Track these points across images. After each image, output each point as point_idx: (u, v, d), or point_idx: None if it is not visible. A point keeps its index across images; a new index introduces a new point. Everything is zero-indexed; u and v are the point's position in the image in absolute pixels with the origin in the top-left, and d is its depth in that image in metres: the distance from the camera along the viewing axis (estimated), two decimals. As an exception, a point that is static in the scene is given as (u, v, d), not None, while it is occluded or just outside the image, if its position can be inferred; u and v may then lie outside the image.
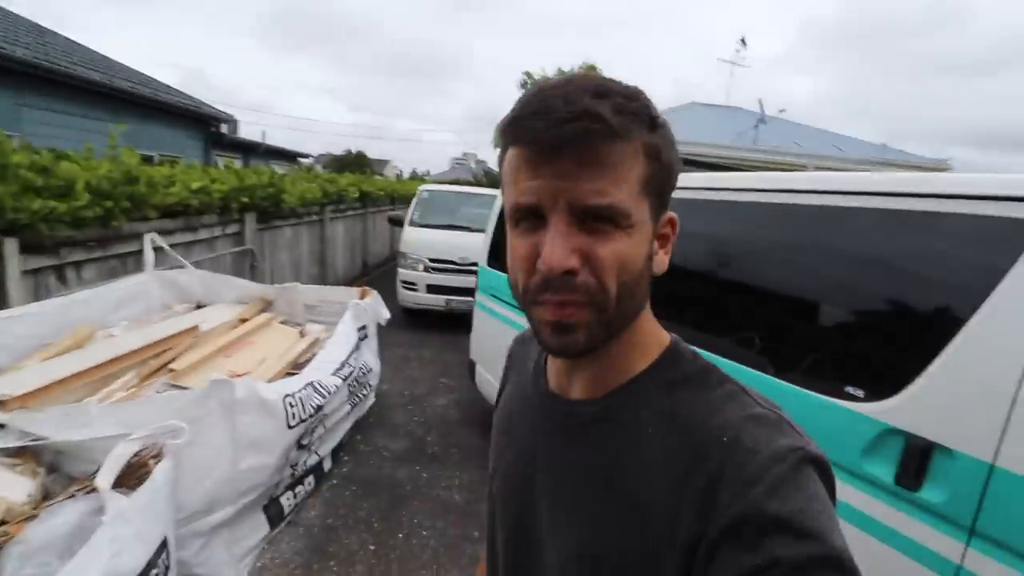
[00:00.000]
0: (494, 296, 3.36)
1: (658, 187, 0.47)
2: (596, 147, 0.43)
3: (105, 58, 9.45)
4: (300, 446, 2.46)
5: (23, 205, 2.52)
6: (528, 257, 0.46)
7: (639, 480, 0.47)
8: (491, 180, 24.83)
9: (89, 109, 8.12)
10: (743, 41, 17.42)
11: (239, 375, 2.72)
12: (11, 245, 2.53)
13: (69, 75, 7.36)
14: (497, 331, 3.30)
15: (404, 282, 6.11)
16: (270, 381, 2.68)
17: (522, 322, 3.34)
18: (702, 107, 17.25)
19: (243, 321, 3.45)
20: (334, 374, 2.79)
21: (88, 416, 1.79)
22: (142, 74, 9.93)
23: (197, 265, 4.24)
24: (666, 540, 0.44)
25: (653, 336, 0.53)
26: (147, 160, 5.05)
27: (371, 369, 3.50)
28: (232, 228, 4.75)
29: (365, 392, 3.35)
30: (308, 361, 3.12)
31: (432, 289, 6.00)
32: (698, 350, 0.55)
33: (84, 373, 2.33)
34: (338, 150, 35.23)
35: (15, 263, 2.57)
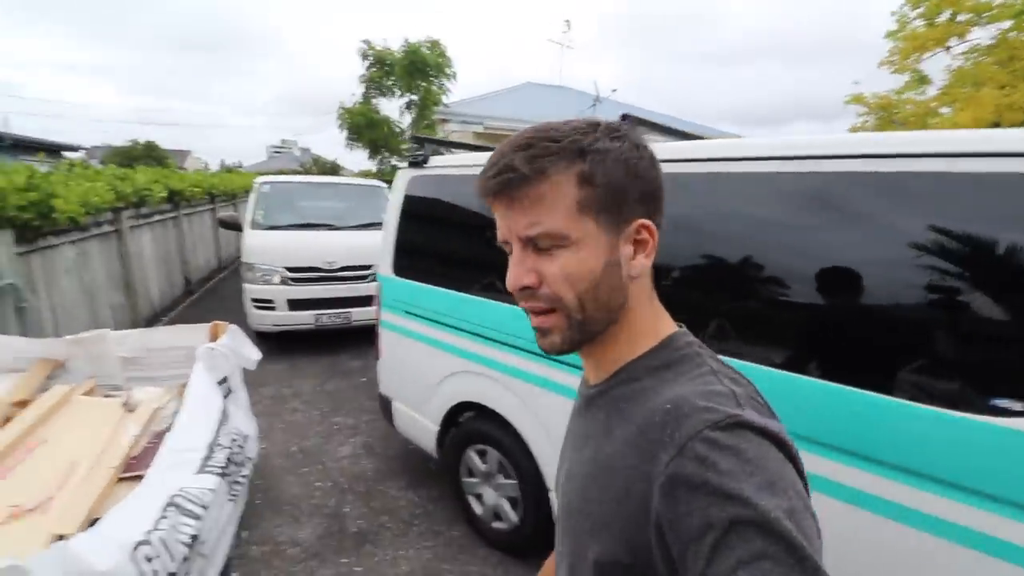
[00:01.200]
0: (409, 312, 2.64)
1: (601, 204, 0.54)
2: (517, 191, 0.53)
3: None
4: (171, 607, 1.53)
5: None
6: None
7: (612, 447, 0.55)
8: (322, 168, 22.24)
9: None
10: (567, 23, 18.15)
11: (33, 509, 1.64)
12: None
13: None
14: (417, 355, 2.61)
15: (256, 300, 4.86)
16: (95, 507, 1.66)
17: (450, 340, 2.38)
18: (537, 87, 17.61)
19: (20, 405, 2.20)
20: (204, 470, 1.85)
21: None
22: None
23: (-90, 322, 2.70)
24: (618, 501, 0.51)
25: (649, 329, 0.60)
26: None
27: (247, 436, 2.53)
28: (-30, 257, 3.16)
29: (245, 473, 2.40)
30: (150, 450, 2.09)
31: (296, 305, 4.88)
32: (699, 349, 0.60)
33: None
34: (119, 140, 28.63)
35: None
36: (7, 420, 2.10)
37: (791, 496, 0.43)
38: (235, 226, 5.50)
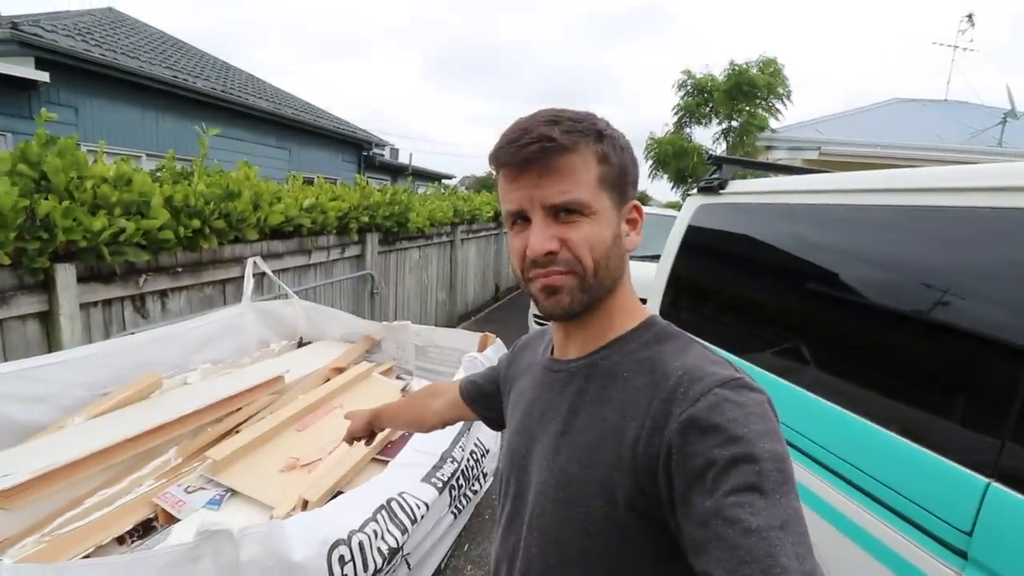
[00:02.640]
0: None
1: (613, 182, 0.61)
2: (552, 160, 0.58)
3: (278, 90, 10.24)
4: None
5: (81, 224, 2.03)
6: (521, 249, 0.61)
7: (615, 412, 0.58)
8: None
9: (261, 135, 8.71)
10: (970, 18, 13.76)
11: (305, 466, 1.94)
12: (65, 274, 2.06)
13: (242, 104, 7.89)
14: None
15: (536, 316, 5.16)
16: (344, 478, 1.85)
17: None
18: (906, 103, 13.92)
19: (337, 371, 2.74)
20: (428, 480, 1.86)
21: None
22: (306, 102, 10.61)
23: (314, 292, 3.75)
24: (629, 457, 0.55)
25: (633, 309, 0.67)
26: (308, 182, 4.63)
27: (487, 451, 2.54)
28: (353, 250, 4.24)
29: (476, 488, 2.39)
30: (405, 436, 2.27)
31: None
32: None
33: (101, 455, 1.69)
34: (481, 172, 36.53)
35: (71, 295, 2.09)
36: (326, 380, 2.62)
37: (783, 444, 0.50)
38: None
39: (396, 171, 13.36)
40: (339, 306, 4.06)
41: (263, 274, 3.14)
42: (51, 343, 2.10)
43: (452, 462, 2.04)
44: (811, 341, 1.56)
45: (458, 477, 2.09)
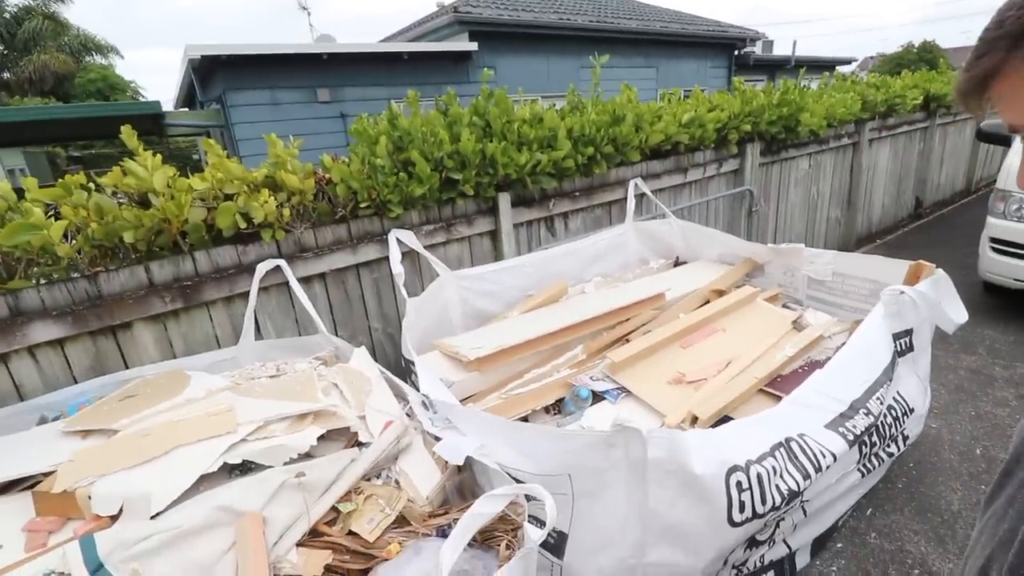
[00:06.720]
0: None
1: None
2: None
3: (644, 5, 10.11)
4: (754, 543, 1.49)
5: (512, 160, 2.51)
6: None
7: None
8: None
9: (629, 57, 8.92)
10: None
11: (691, 383, 1.96)
12: (504, 200, 2.61)
13: (616, 30, 8.17)
14: None
15: (998, 241, 3.64)
16: (732, 404, 1.79)
17: None
18: None
19: (717, 293, 2.63)
20: (834, 428, 1.59)
21: (489, 426, 1.46)
22: (673, 11, 10.12)
23: (688, 211, 3.69)
24: None
25: None
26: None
27: (911, 410, 2.00)
28: (730, 165, 3.90)
29: (892, 450, 1.94)
30: (796, 376, 2.02)
31: (1065, 257, 3.31)
32: None
33: (534, 342, 2.14)
34: (893, 47, 27.46)
35: (507, 217, 2.66)
36: (705, 303, 2.56)
37: None
38: (1000, 139, 4.14)
39: (774, 67, 11.50)
40: (713, 225, 3.88)
41: (643, 195, 3.25)
42: (496, 254, 2.75)
43: (866, 415, 1.69)
44: None
45: (871, 433, 1.72)
